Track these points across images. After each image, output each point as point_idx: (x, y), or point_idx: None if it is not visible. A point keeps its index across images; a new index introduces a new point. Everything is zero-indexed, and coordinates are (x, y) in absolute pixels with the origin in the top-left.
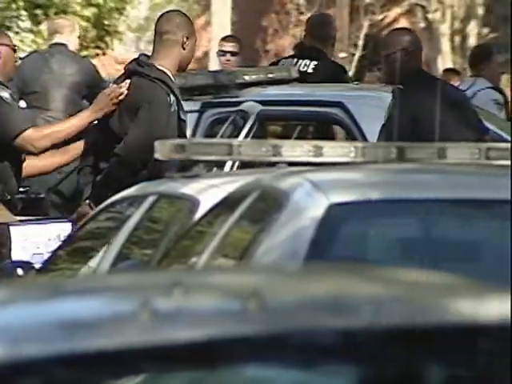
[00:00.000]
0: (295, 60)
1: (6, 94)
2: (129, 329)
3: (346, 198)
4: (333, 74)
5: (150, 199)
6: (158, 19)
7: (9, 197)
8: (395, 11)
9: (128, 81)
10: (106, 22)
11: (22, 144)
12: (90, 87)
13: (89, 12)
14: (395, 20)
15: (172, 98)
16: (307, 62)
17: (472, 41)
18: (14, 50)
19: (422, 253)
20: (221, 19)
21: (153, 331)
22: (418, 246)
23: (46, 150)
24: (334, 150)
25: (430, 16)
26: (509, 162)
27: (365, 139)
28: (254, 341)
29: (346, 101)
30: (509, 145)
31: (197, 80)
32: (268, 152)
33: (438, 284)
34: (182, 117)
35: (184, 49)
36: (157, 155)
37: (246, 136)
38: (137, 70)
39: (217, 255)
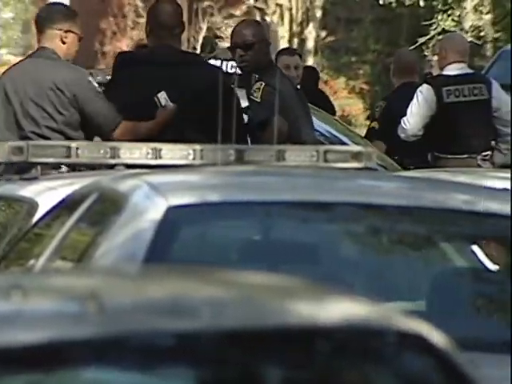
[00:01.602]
0: (219, 61)
1: (96, 84)
2: None
3: (185, 200)
4: None
5: None
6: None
7: None
8: (234, 13)
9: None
10: None
11: (115, 134)
12: None
13: None
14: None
15: None
16: (233, 63)
17: (310, 43)
18: (80, 39)
19: (261, 255)
20: None
21: None
22: (256, 248)
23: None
24: (173, 153)
25: (268, 18)
26: (346, 165)
27: None
28: (92, 343)
29: None
30: (346, 147)
31: None
32: (106, 154)
33: (277, 286)
34: None
35: None
36: None
37: None
38: None
39: (55, 258)
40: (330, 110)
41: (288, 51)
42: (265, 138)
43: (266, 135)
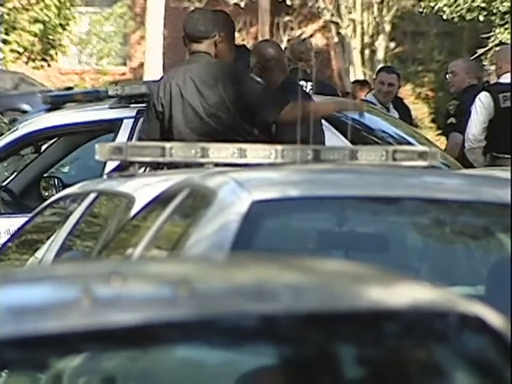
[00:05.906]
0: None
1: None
2: (72, 313)
3: (267, 195)
4: (323, 90)
5: (91, 196)
6: None
7: None
8: (311, 27)
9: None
10: (51, 37)
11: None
12: None
13: (35, 28)
14: (311, 35)
15: None
16: (304, 83)
17: (380, 54)
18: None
19: (335, 245)
20: (154, 34)
21: (93, 315)
22: (332, 239)
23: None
24: (257, 152)
25: (342, 32)
26: (412, 163)
27: None
28: (184, 324)
29: None
30: (412, 148)
31: (133, 89)
32: (197, 154)
33: (350, 273)
34: None
35: None
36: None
37: None
38: None
39: (151, 247)
40: (408, 113)
41: (387, 69)
42: None
43: None
